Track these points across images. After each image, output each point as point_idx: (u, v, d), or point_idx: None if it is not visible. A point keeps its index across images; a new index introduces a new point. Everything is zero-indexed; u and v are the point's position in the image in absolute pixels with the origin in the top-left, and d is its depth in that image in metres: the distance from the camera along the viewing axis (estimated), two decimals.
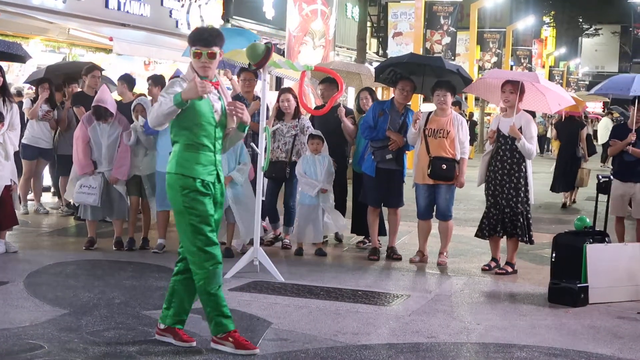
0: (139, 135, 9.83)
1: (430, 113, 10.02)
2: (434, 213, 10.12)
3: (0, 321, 6.62)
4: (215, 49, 5.89)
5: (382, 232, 10.64)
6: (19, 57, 11.75)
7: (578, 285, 8.15)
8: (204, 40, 5.89)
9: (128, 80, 11.65)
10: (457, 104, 11.70)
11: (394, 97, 10.32)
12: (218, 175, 6.07)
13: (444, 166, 9.77)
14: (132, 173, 10.05)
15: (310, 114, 10.95)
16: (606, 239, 8.63)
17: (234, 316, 7.05)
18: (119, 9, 19.61)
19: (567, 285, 8.20)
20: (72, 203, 12.01)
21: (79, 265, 9.11)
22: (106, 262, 9.36)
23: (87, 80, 12.21)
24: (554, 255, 8.51)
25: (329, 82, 10.87)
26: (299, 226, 10.27)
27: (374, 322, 7.17)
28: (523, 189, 9.41)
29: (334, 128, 10.77)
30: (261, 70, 8.89)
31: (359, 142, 10.65)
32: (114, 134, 9.91)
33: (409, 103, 10.45)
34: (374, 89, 11.30)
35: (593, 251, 8.26)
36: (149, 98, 10.58)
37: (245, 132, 6.17)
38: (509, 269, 9.58)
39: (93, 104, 10.03)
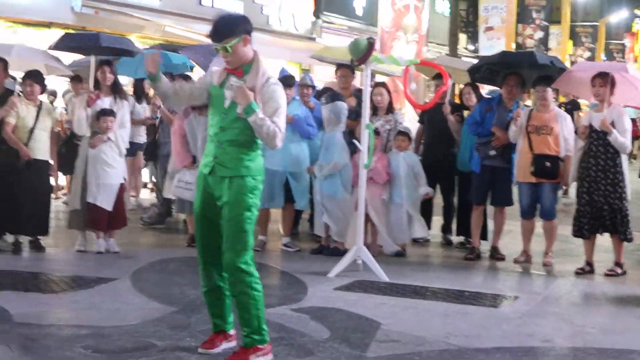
0: None
1: (532, 109, 9.80)
2: (538, 212, 9.89)
3: (112, 318, 6.65)
4: (228, 41, 5.43)
5: (483, 236, 10.40)
6: (128, 52, 11.79)
7: None
8: (213, 36, 5.54)
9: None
10: (474, 86, 11.33)
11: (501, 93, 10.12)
12: (214, 169, 5.59)
13: (548, 164, 9.52)
14: None
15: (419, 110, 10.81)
16: None
17: (341, 316, 7.02)
18: (212, 5, 19.76)
19: None
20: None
21: (183, 262, 9.12)
22: None
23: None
24: None
25: (440, 77, 10.64)
26: (389, 226, 10.09)
27: (484, 324, 6.99)
28: (620, 184, 9.09)
29: (441, 125, 10.61)
30: (363, 65, 8.80)
31: (463, 141, 10.46)
32: None
33: (518, 99, 10.18)
34: (477, 84, 11.08)
35: None
36: None
37: (249, 115, 5.46)
38: (619, 270, 9.26)
39: None
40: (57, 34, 14.60)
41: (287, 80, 9.65)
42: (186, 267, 8.72)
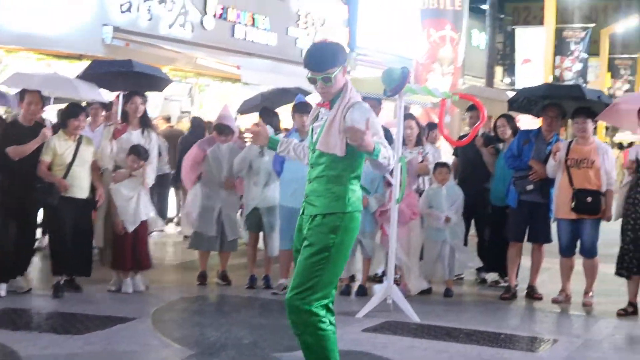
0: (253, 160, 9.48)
1: (571, 142, 9.37)
2: (578, 249, 9.42)
3: None
4: (332, 71, 5.02)
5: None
6: (160, 82, 11.33)
7: None
8: (314, 65, 5.06)
9: None
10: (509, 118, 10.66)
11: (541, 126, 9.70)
12: (305, 208, 5.20)
13: (589, 199, 9.08)
14: (252, 205, 9.61)
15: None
16: None
17: None
18: (244, 38, 19.60)
19: None
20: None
21: (205, 301, 8.76)
22: (232, 297, 9.01)
23: None
24: None
25: (475, 109, 10.20)
26: (426, 262, 9.68)
27: None
28: None
29: (475, 158, 10.19)
30: (397, 96, 8.44)
31: (498, 174, 10.05)
32: (235, 154, 9.57)
33: (557, 132, 9.76)
34: (512, 116, 10.65)
35: None
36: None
37: (377, 157, 4.95)
38: None
39: (215, 122, 9.88)
40: None
41: (302, 107, 9.29)
42: (208, 307, 8.37)
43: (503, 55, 37.56)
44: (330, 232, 5.03)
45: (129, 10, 16.43)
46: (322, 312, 5.06)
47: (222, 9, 18.96)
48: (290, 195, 9.08)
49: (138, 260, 9.04)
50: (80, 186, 8.73)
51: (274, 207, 9.48)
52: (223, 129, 9.67)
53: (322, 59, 5.06)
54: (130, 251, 8.97)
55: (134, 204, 8.94)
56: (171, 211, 14.87)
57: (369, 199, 9.12)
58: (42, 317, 7.78)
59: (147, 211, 9.19)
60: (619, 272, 8.94)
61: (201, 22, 18.33)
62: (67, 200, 8.61)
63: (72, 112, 8.81)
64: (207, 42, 18.16)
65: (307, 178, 5.22)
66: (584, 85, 29.43)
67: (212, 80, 18.65)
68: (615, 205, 9.15)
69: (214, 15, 18.68)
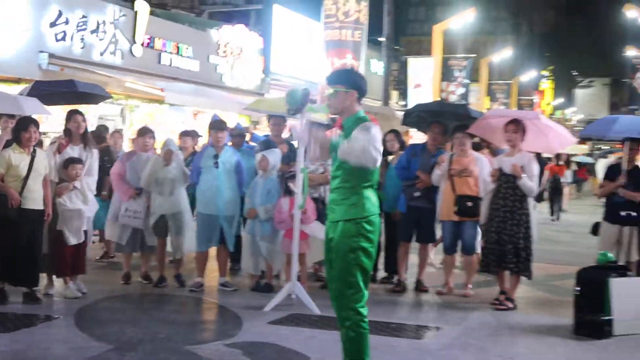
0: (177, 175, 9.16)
1: (452, 155, 9.29)
2: (459, 248, 9.35)
3: (47, 358, 5.91)
4: (336, 87, 5.25)
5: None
6: (100, 97, 10.90)
7: (602, 318, 7.33)
8: (327, 79, 5.36)
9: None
10: (397, 133, 10.56)
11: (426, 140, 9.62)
12: (329, 214, 5.33)
13: (470, 203, 9.03)
14: (159, 213, 9.14)
15: None
16: (628, 274, 7.81)
17: (271, 351, 6.37)
18: (170, 64, 19.24)
19: (592, 318, 7.37)
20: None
21: (127, 299, 8.37)
22: (153, 296, 8.63)
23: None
24: (578, 289, 7.67)
25: None
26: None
27: (409, 357, 6.38)
28: (525, 225, 8.52)
29: None
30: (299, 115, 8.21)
31: (388, 184, 9.90)
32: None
33: (441, 145, 9.66)
34: (399, 131, 10.56)
35: (617, 284, 7.43)
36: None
37: (336, 149, 5.15)
38: (509, 305, 8.60)
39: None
40: None
41: (217, 125, 9.09)
42: (129, 304, 7.98)
43: (398, 81, 37.82)
44: (353, 235, 5.11)
45: (63, 39, 15.89)
46: (365, 312, 5.19)
47: (150, 38, 18.56)
48: (206, 203, 8.85)
49: (76, 266, 8.43)
50: (35, 198, 8.00)
51: (179, 212, 9.16)
52: (146, 131, 9.36)
53: (330, 76, 5.34)
54: (71, 259, 8.33)
55: (76, 219, 8.37)
56: None
57: (258, 209, 8.85)
58: None
59: (88, 226, 8.65)
60: (483, 269, 8.85)
61: (130, 50, 17.88)
62: (23, 212, 7.89)
63: (23, 125, 8.06)
64: (136, 68, 17.74)
65: (331, 187, 5.34)
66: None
67: (141, 102, 18.18)
68: (482, 210, 9.03)
69: (142, 44, 18.27)
